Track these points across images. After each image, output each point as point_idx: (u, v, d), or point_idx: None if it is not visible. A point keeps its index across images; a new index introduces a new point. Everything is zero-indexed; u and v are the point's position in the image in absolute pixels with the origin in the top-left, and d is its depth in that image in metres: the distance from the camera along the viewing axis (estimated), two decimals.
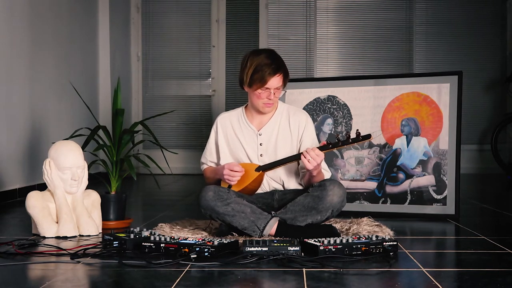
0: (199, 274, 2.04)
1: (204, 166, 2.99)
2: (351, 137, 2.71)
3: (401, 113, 3.50)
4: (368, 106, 3.57)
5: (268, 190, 2.89)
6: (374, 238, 2.36)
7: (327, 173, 2.87)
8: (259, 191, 2.87)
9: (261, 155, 2.85)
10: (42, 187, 3.31)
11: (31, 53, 4.62)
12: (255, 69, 2.72)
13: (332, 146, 2.72)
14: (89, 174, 2.95)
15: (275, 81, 2.73)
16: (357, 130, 2.75)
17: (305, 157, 2.65)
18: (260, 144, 2.86)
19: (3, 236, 2.84)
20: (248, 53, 2.82)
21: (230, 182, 2.74)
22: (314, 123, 3.23)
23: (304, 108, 3.64)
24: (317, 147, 2.68)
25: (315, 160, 2.64)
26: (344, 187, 2.75)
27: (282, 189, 2.89)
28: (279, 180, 2.87)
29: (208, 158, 2.96)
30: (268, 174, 2.85)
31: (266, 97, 2.76)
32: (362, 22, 7.04)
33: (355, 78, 3.74)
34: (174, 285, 1.88)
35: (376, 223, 2.91)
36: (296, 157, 2.73)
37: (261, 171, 2.77)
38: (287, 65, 2.82)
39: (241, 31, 7.14)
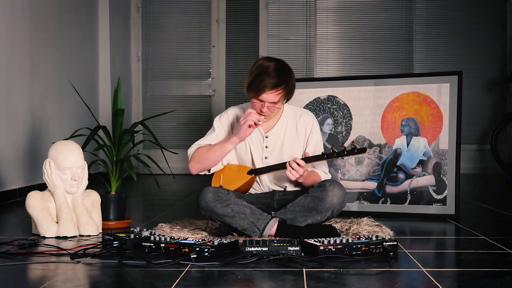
0: (199, 274, 2.04)
1: (195, 148, 2.88)
2: (347, 149, 2.70)
3: (401, 113, 3.50)
4: (368, 106, 3.57)
5: (268, 191, 2.89)
6: (374, 238, 2.36)
7: (326, 176, 2.86)
8: (259, 191, 2.87)
9: (266, 158, 2.82)
10: (42, 187, 3.31)
11: (31, 53, 4.62)
12: (256, 77, 2.64)
13: (327, 156, 2.72)
14: (89, 174, 2.95)
15: (270, 96, 2.64)
16: (352, 142, 2.75)
17: (286, 168, 2.64)
18: (266, 147, 2.83)
19: (3, 236, 2.84)
20: (260, 58, 2.74)
21: (249, 122, 2.65)
22: None
23: (304, 108, 3.64)
24: (302, 158, 2.66)
25: (297, 171, 2.62)
26: (344, 187, 2.74)
27: (282, 190, 2.88)
28: (279, 183, 2.87)
29: (208, 142, 2.86)
30: (269, 176, 2.85)
31: (258, 107, 2.70)
32: (362, 22, 7.04)
33: (355, 78, 3.74)
34: (174, 285, 1.88)
35: (376, 223, 2.91)
36: (283, 166, 2.70)
37: (253, 174, 2.77)
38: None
39: (241, 31, 7.14)
